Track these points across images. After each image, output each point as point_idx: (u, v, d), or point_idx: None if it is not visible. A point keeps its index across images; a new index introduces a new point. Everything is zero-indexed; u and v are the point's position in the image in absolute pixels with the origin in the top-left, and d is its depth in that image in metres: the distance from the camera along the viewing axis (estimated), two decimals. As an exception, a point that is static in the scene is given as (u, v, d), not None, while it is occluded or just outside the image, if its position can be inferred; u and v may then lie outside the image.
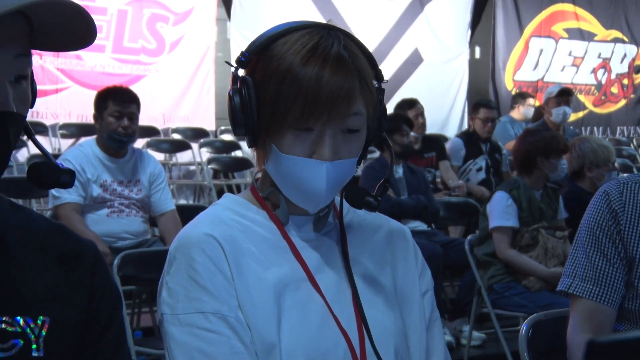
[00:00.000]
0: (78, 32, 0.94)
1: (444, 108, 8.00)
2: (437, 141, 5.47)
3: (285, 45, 1.05)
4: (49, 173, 0.99)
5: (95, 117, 3.49)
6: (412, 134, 5.14)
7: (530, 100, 6.64)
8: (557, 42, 8.89)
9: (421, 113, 5.23)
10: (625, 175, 1.57)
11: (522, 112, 6.54)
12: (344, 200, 1.16)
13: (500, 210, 3.45)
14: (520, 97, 6.77)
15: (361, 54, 1.08)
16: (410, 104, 5.25)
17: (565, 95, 5.36)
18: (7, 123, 0.90)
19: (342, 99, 1.03)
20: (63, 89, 6.24)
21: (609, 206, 1.48)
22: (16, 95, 0.92)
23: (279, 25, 1.09)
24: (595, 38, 9.10)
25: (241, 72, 1.09)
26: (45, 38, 0.95)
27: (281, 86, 1.03)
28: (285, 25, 1.08)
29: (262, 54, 1.07)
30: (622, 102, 9.36)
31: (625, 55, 9.29)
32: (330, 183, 1.05)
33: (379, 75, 1.10)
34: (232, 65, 1.09)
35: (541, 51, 8.78)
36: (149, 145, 5.95)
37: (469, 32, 8.37)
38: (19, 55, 0.92)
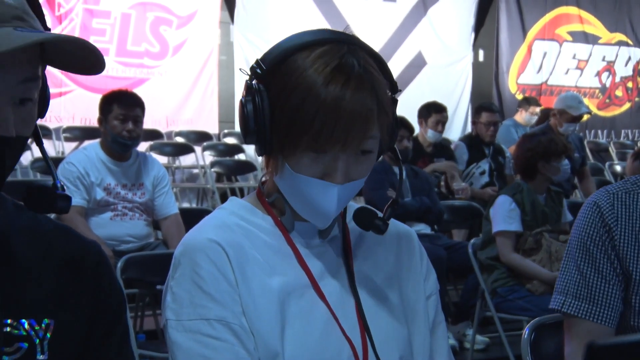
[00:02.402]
0: (87, 61, 0.94)
1: (448, 111, 8.01)
2: (448, 148, 5.48)
3: (306, 62, 1.03)
4: (45, 199, 0.97)
5: (100, 120, 3.50)
6: (427, 136, 5.16)
7: (536, 109, 6.61)
8: (561, 45, 8.88)
9: (443, 122, 5.25)
10: (613, 184, 1.49)
11: (524, 117, 6.53)
12: (348, 206, 1.17)
13: (503, 215, 3.45)
14: (526, 102, 6.73)
15: (378, 72, 1.07)
16: (438, 109, 5.26)
17: (581, 116, 5.40)
18: (3, 148, 0.89)
19: (359, 125, 1.02)
20: (67, 92, 6.26)
21: (602, 219, 1.39)
22: (19, 118, 0.91)
23: (297, 35, 1.07)
24: (600, 41, 9.09)
25: (254, 81, 1.07)
26: (58, 59, 0.94)
27: (301, 105, 1.02)
28: (303, 37, 1.06)
29: (280, 67, 1.05)
30: (627, 106, 9.35)
31: (629, 58, 9.28)
32: (341, 202, 1.06)
33: (393, 87, 1.10)
34: (244, 72, 1.08)
35: (545, 54, 8.77)
36: (152, 148, 5.96)
37: (473, 35, 8.37)
38: (26, 80, 0.91)
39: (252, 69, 1.07)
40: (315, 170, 1.04)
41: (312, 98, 1.01)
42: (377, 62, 1.08)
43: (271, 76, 1.06)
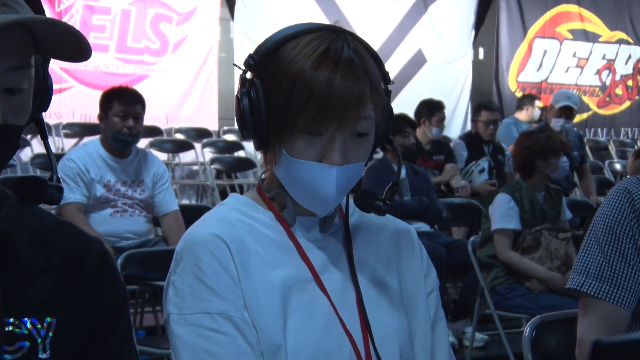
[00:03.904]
0: (74, 46, 0.93)
1: (447, 109, 7.92)
2: (447, 145, 5.48)
3: (296, 49, 1.04)
4: (35, 189, 0.96)
5: (100, 116, 3.50)
6: (430, 134, 5.18)
7: (539, 103, 6.61)
8: (561, 43, 8.88)
9: (442, 119, 5.27)
10: None
11: (531, 114, 6.51)
12: (349, 200, 1.17)
13: (502, 213, 3.45)
14: (530, 98, 6.73)
15: (369, 57, 1.07)
16: (439, 107, 5.27)
17: (567, 110, 5.37)
18: None
19: (353, 104, 1.02)
20: (66, 89, 6.26)
21: (632, 205, 1.41)
22: (8, 107, 0.90)
23: (287, 27, 1.08)
24: (600, 39, 9.09)
25: (248, 75, 1.09)
26: (49, 47, 0.93)
27: (292, 91, 1.03)
28: (293, 27, 1.07)
29: (271, 57, 1.06)
30: (627, 104, 9.35)
31: (629, 56, 9.28)
32: (340, 187, 1.06)
33: (386, 77, 1.10)
34: (240, 68, 1.09)
35: (545, 52, 8.77)
36: (152, 145, 5.96)
37: (473, 33, 8.37)
38: (13, 69, 0.89)
39: (245, 62, 1.08)
40: (313, 154, 1.05)
41: (302, 83, 1.02)
42: (368, 51, 1.08)
43: (263, 68, 1.07)
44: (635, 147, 7.82)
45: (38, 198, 0.96)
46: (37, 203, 0.97)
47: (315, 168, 1.05)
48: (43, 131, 1.01)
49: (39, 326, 0.95)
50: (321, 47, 1.04)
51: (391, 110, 1.12)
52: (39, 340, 0.94)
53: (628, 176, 1.57)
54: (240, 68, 1.09)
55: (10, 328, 0.93)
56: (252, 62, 1.07)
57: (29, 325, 0.94)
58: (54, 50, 0.93)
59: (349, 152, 1.05)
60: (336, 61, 1.03)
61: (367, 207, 1.12)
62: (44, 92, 0.97)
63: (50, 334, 0.95)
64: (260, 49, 1.07)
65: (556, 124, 5.28)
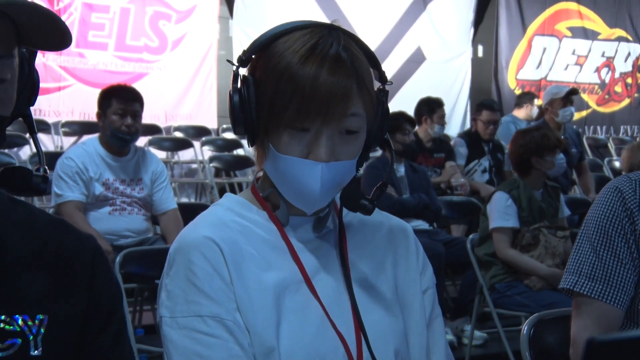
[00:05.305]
0: (55, 33, 0.93)
1: (447, 107, 7.95)
2: (447, 143, 5.48)
3: (286, 44, 1.05)
4: (21, 178, 0.97)
5: (99, 115, 3.50)
6: (432, 132, 5.18)
7: (538, 101, 6.61)
8: (560, 40, 8.88)
9: (443, 115, 5.27)
10: (634, 172, 1.50)
11: (530, 112, 6.49)
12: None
13: (500, 211, 3.45)
14: (530, 96, 6.72)
15: (362, 55, 1.07)
16: (439, 103, 5.27)
17: (571, 94, 5.30)
18: None
19: (338, 100, 1.02)
20: (66, 87, 6.25)
21: (624, 204, 1.41)
22: None
23: (281, 24, 1.08)
24: (599, 37, 9.08)
25: (243, 71, 1.09)
26: (32, 36, 0.93)
27: (278, 84, 1.03)
28: (287, 24, 1.08)
29: (263, 53, 1.06)
30: (626, 101, 9.35)
31: (629, 54, 9.28)
32: (325, 184, 1.05)
33: (382, 77, 1.09)
34: (233, 64, 1.09)
35: (544, 50, 8.77)
36: (150, 143, 5.96)
37: (472, 31, 8.36)
38: None
39: (238, 59, 1.08)
40: (299, 150, 1.04)
41: (288, 77, 1.02)
42: (363, 50, 1.08)
43: (255, 64, 1.07)
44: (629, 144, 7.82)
45: (24, 187, 0.97)
46: (24, 192, 0.97)
47: (301, 164, 1.04)
48: (31, 126, 1.01)
49: (31, 323, 0.94)
50: (310, 43, 1.03)
51: (387, 109, 1.11)
52: (31, 337, 0.94)
53: (623, 173, 1.58)
54: (233, 64, 1.09)
55: (2, 325, 0.93)
56: (245, 58, 1.07)
57: (20, 322, 0.94)
58: (36, 39, 0.93)
59: (337, 149, 1.05)
60: (323, 56, 1.02)
61: (353, 206, 1.11)
62: (30, 87, 0.97)
63: (42, 330, 0.95)
64: (253, 46, 1.07)
65: (565, 113, 5.20)
